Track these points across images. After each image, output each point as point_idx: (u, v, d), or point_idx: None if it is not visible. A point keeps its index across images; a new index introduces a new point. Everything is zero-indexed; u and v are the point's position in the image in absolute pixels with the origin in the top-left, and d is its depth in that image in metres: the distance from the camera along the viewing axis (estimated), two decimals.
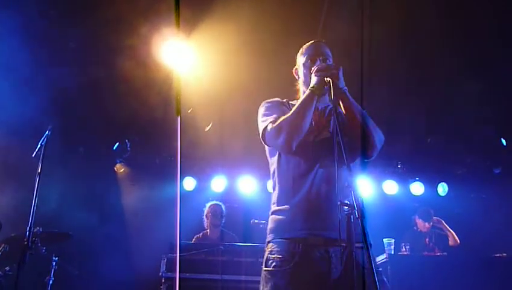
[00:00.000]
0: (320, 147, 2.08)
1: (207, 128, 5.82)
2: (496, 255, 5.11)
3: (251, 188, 6.75)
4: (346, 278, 1.75)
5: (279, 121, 2.11)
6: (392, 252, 4.88)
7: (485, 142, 6.56)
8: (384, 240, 4.94)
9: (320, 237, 1.95)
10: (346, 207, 1.75)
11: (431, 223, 5.86)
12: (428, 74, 5.15)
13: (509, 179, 6.82)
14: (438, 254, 5.59)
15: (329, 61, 2.24)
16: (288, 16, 4.21)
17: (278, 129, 2.09)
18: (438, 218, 5.94)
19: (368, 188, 6.85)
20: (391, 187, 7.15)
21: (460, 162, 7.06)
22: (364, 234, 1.63)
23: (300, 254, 1.95)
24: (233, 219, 5.92)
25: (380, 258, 4.84)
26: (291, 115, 2.08)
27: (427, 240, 5.89)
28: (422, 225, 5.92)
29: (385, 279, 2.02)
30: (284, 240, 2.02)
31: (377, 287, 1.55)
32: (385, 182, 7.15)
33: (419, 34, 4.54)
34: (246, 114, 4.85)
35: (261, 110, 2.27)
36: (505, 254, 5.04)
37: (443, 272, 4.78)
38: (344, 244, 1.76)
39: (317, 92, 2.09)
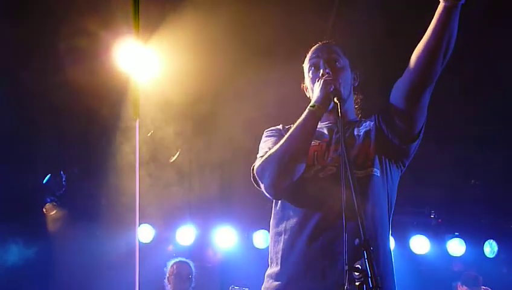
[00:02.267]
0: (321, 188, 2.06)
1: (172, 159, 5.80)
2: None
3: (230, 242, 6.68)
4: None
5: (265, 156, 2.09)
6: None
7: None
8: None
9: None
10: (357, 273, 1.72)
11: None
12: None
13: None
14: None
15: (340, 64, 2.25)
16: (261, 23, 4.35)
17: (262, 167, 2.08)
18: (488, 288, 5.94)
19: (390, 244, 6.84)
20: (421, 244, 7.20)
21: None
22: None
23: None
24: (205, 283, 5.83)
25: None
26: (280, 146, 2.05)
27: None
28: None
29: None
30: None
31: None
32: (414, 237, 7.19)
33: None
34: (225, 138, 4.88)
35: (261, 141, 2.29)
36: None
37: None
38: None
39: (319, 112, 2.07)
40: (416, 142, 2.18)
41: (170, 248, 6.76)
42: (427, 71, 2.00)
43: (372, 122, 2.23)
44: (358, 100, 2.37)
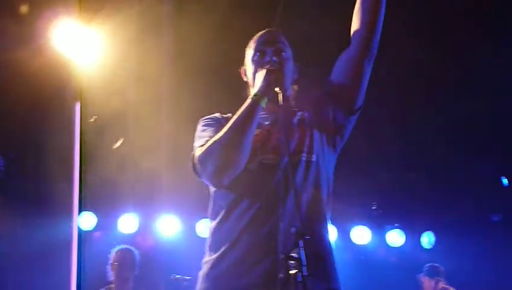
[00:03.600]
0: (263, 176, 2.06)
1: (116, 146, 5.70)
2: None
3: (173, 231, 6.67)
4: None
5: (206, 145, 2.06)
6: None
7: (483, 182, 6.90)
8: None
9: None
10: (292, 262, 1.74)
11: (442, 283, 6.03)
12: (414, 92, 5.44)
13: (510, 230, 7.18)
14: None
15: (286, 54, 2.25)
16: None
17: (206, 156, 2.04)
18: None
19: (332, 234, 6.95)
20: (362, 235, 7.33)
21: (451, 206, 7.34)
22: None
23: None
24: (148, 271, 5.78)
25: None
26: (222, 135, 2.03)
27: None
28: (430, 285, 6.09)
29: None
30: None
31: None
32: (355, 228, 7.32)
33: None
34: (169, 125, 4.84)
35: (197, 130, 2.25)
36: None
37: None
38: None
39: (261, 100, 2.06)
40: (355, 116, 2.25)
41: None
42: (366, 37, 2.13)
43: (310, 110, 2.27)
44: (296, 90, 2.37)
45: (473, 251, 7.30)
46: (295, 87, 2.36)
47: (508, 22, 5.11)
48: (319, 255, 1.96)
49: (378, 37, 2.17)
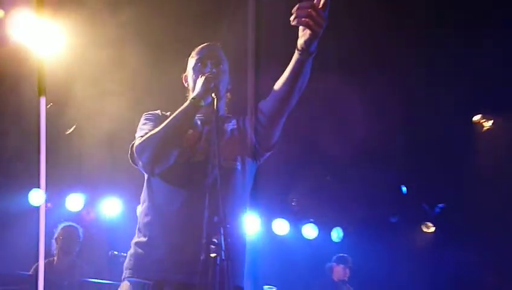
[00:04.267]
0: (191, 172, 2.04)
1: (69, 131, 5.49)
2: None
3: (115, 212, 6.50)
4: None
5: (145, 137, 2.04)
6: None
7: (386, 189, 7.12)
8: (265, 287, 5.05)
9: (175, 281, 1.90)
10: (213, 246, 1.71)
11: (348, 271, 6.12)
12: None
13: (404, 229, 7.45)
14: None
15: (223, 67, 2.25)
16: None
17: (143, 147, 2.03)
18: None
19: (256, 225, 6.98)
20: (282, 227, 7.39)
21: (358, 207, 7.52)
22: (227, 281, 1.61)
23: None
24: (89, 247, 5.59)
25: None
26: (160, 130, 2.01)
27: None
28: (341, 272, 6.17)
29: None
30: (135, 280, 1.96)
31: None
32: (276, 220, 7.36)
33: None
34: (122, 119, 4.69)
35: (139, 123, 2.22)
36: None
37: None
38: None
39: (198, 104, 2.04)
40: (270, 151, 2.24)
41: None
42: (284, 103, 2.07)
43: (240, 122, 2.26)
44: (228, 100, 2.36)
45: (374, 245, 7.45)
46: (228, 95, 2.35)
47: None
48: (234, 245, 1.89)
49: (295, 100, 2.09)
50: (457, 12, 4.61)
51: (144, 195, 2.14)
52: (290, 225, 7.45)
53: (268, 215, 7.29)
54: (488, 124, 6.14)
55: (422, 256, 7.55)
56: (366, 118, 5.60)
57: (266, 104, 2.13)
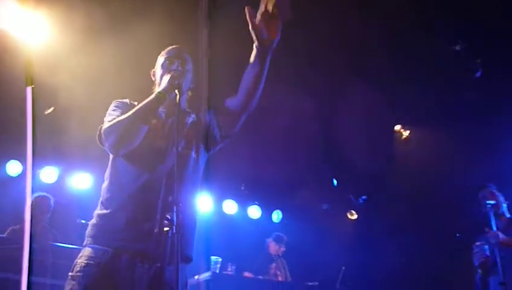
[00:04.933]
0: (152, 156, 2.04)
1: (47, 112, 5.31)
2: (309, 283, 5.63)
3: (85, 185, 6.37)
4: None
5: (113, 121, 2.03)
6: (217, 271, 5.03)
7: (320, 181, 7.30)
8: (212, 258, 5.08)
9: (132, 249, 1.89)
10: (166, 222, 1.73)
11: (282, 248, 6.20)
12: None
13: (333, 216, 7.67)
14: (279, 279, 5.92)
15: (188, 67, 2.25)
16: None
17: (110, 130, 2.02)
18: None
19: (208, 204, 7.00)
20: (231, 207, 7.44)
21: (296, 195, 7.68)
22: (177, 251, 1.64)
23: (106, 263, 1.88)
24: (60, 216, 5.46)
25: (205, 276, 4.94)
26: (127, 117, 2.01)
27: (274, 265, 6.19)
28: (274, 248, 6.24)
29: None
30: (96, 246, 1.94)
31: None
32: (225, 201, 7.40)
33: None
34: (96, 102, 4.59)
35: (109, 109, 2.19)
36: (316, 283, 5.59)
37: None
38: (156, 261, 1.73)
39: (163, 98, 2.04)
40: (227, 140, 2.26)
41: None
42: (248, 98, 2.09)
43: (201, 115, 2.26)
44: (189, 97, 2.36)
45: (308, 227, 7.62)
46: (190, 93, 2.34)
47: None
48: (184, 222, 1.88)
49: (256, 100, 2.11)
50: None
51: (108, 173, 2.12)
52: (238, 206, 7.52)
53: (220, 197, 7.33)
54: (406, 133, 6.39)
55: (346, 238, 7.78)
56: (313, 117, 5.67)
57: (234, 100, 2.15)
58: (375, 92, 5.23)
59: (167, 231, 1.73)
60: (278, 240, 6.31)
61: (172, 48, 2.31)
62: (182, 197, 1.78)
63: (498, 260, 3.42)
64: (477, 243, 3.74)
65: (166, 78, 2.09)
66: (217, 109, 2.24)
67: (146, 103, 2.04)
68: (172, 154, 1.97)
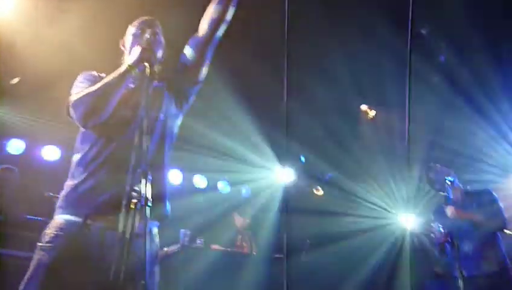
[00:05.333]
0: (120, 127, 2.02)
1: (13, 82, 5.16)
2: (276, 255, 5.80)
3: (54, 157, 6.26)
4: (118, 265, 1.75)
5: (81, 93, 2.01)
6: (186, 243, 5.11)
7: (289, 158, 7.40)
8: (181, 230, 5.15)
9: (102, 219, 1.91)
10: (135, 193, 1.74)
11: (247, 220, 6.31)
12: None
13: (300, 191, 7.83)
14: (246, 251, 6.03)
15: (159, 39, 2.22)
16: None
17: (78, 102, 2.00)
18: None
19: (179, 179, 7.02)
20: (201, 181, 7.48)
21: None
22: (146, 223, 1.65)
23: (75, 233, 1.89)
24: (28, 187, 5.38)
25: (173, 248, 5.02)
26: (96, 89, 1.99)
27: (240, 237, 6.33)
28: (240, 221, 6.37)
29: (156, 270, 2.02)
30: (65, 217, 1.95)
31: (144, 277, 1.58)
32: (196, 175, 7.43)
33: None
34: (64, 73, 4.50)
35: (76, 81, 2.16)
36: (282, 255, 5.75)
37: (230, 265, 5.23)
38: (125, 232, 1.76)
39: (133, 70, 2.02)
40: (198, 86, 2.29)
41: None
42: (212, 33, 2.15)
43: (166, 79, 2.25)
44: (159, 69, 2.31)
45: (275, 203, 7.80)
46: (160, 64, 2.29)
47: None
48: (156, 192, 1.91)
49: (222, 31, 2.19)
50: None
51: (77, 144, 2.10)
52: (208, 180, 7.56)
53: (190, 171, 7.34)
54: (372, 113, 6.53)
55: (312, 212, 7.95)
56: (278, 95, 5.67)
57: (195, 38, 2.16)
58: (342, 72, 5.31)
59: (135, 203, 1.74)
60: (243, 214, 6.41)
61: (145, 19, 2.28)
62: (153, 167, 1.75)
63: (456, 233, 3.42)
64: (432, 224, 3.76)
65: (137, 50, 2.05)
66: (180, 58, 2.24)
67: (114, 75, 2.02)
68: (140, 124, 1.96)
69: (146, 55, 2.03)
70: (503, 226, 3.58)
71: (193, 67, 2.22)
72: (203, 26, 2.19)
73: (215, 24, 2.16)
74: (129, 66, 2.03)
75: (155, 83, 2.20)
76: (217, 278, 5.08)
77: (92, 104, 1.98)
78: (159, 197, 1.99)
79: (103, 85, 1.99)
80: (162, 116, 2.13)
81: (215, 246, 5.82)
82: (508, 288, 3.33)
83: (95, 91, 1.99)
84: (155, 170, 1.95)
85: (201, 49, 2.20)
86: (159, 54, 2.22)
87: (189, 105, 2.32)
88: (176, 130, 2.25)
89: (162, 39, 2.26)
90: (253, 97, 5.72)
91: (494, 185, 5.77)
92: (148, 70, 1.98)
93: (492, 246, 3.51)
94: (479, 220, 3.53)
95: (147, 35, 2.14)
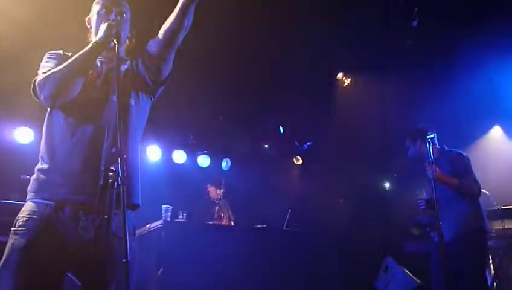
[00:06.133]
0: (89, 107, 1.94)
1: None
2: (258, 226, 5.82)
3: (28, 140, 6.06)
4: (97, 244, 1.70)
5: (48, 73, 1.92)
6: (169, 219, 5.06)
7: (267, 128, 7.40)
8: (163, 206, 5.08)
9: (75, 201, 1.84)
10: (110, 173, 1.69)
11: (222, 190, 6.28)
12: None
13: (279, 161, 7.87)
14: (224, 222, 6.04)
15: (126, 16, 2.13)
16: None
17: (44, 81, 1.91)
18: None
19: (157, 155, 6.93)
20: (180, 157, 7.41)
21: (245, 142, 7.75)
22: (123, 202, 1.60)
23: (49, 216, 1.83)
24: (2, 172, 5.22)
25: (156, 224, 4.96)
26: (62, 68, 1.90)
27: (216, 208, 6.30)
28: (214, 192, 6.31)
29: (134, 246, 1.96)
30: (38, 200, 1.88)
31: (126, 254, 1.55)
32: (175, 151, 7.35)
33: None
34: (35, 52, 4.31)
35: (42, 61, 2.06)
36: (264, 225, 5.79)
37: (213, 238, 5.22)
38: (101, 212, 1.70)
39: (100, 48, 1.95)
40: (163, 87, 2.20)
41: None
42: (171, 41, 2.06)
43: (134, 63, 2.16)
44: (127, 46, 2.25)
45: (256, 173, 7.79)
46: (127, 42, 2.23)
47: None
48: (129, 172, 1.87)
49: (181, 38, 2.08)
50: None
51: (45, 127, 2.01)
52: (187, 155, 7.50)
53: (169, 147, 7.26)
54: (347, 80, 6.51)
55: (293, 181, 8.03)
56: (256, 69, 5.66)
57: (155, 43, 2.09)
58: (319, 41, 5.25)
59: (112, 182, 1.69)
60: (216, 184, 6.37)
61: None
62: (125, 148, 1.71)
63: (435, 195, 3.36)
64: (418, 199, 3.72)
65: (104, 27, 1.98)
66: (143, 54, 2.15)
67: (82, 54, 1.94)
68: (111, 105, 1.91)
69: (113, 30, 1.95)
70: (476, 192, 3.55)
71: (156, 68, 2.11)
72: (164, 33, 2.05)
73: (174, 33, 2.03)
74: (95, 43, 1.95)
75: (123, 65, 2.12)
76: (199, 250, 5.07)
77: (58, 84, 1.89)
78: (131, 176, 1.93)
79: (70, 63, 1.90)
80: (132, 100, 2.05)
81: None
82: (474, 251, 3.30)
83: (61, 70, 1.90)
84: (128, 150, 1.90)
85: (161, 53, 2.09)
86: (127, 30, 2.14)
87: (157, 97, 2.24)
88: (146, 115, 2.17)
89: (129, 15, 2.17)
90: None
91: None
92: (116, 47, 1.90)
93: (463, 211, 3.49)
94: (456, 185, 3.52)
95: (114, 13, 2.07)
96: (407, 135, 3.91)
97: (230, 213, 6.38)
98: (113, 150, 1.68)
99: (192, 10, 1.98)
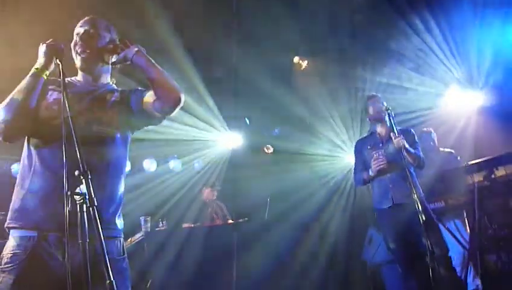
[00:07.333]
0: (50, 134, 1.83)
1: None
2: (240, 220, 5.77)
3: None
4: (80, 271, 1.60)
5: None
6: (149, 230, 4.95)
7: (234, 120, 7.34)
8: (141, 218, 4.97)
9: (55, 228, 1.75)
10: (77, 197, 1.59)
11: (215, 192, 6.27)
12: None
13: (251, 154, 7.84)
14: (218, 222, 5.98)
15: (100, 32, 2.00)
16: None
17: None
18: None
19: (127, 166, 6.73)
20: (150, 165, 7.28)
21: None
22: (96, 224, 1.52)
23: (32, 248, 1.76)
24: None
25: (137, 237, 4.84)
26: (8, 101, 1.80)
27: (209, 209, 6.27)
28: (209, 194, 6.38)
29: (124, 264, 1.91)
30: (20, 233, 1.80)
31: (109, 277, 1.47)
32: (145, 160, 7.20)
33: None
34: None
35: None
36: (246, 219, 5.74)
37: (195, 242, 5.15)
38: (78, 237, 1.60)
39: (42, 72, 1.84)
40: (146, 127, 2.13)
41: None
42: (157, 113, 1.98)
43: (124, 97, 2.05)
44: (115, 70, 2.13)
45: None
46: (118, 66, 2.09)
47: None
48: (97, 191, 1.72)
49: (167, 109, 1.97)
50: None
51: (22, 155, 1.93)
52: (157, 163, 7.35)
53: (139, 156, 7.09)
54: (304, 63, 6.50)
55: (265, 170, 7.97)
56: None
57: (150, 98, 1.96)
58: (273, 26, 5.22)
59: (80, 205, 1.59)
60: (212, 187, 6.52)
61: (86, 18, 2.04)
62: (90, 168, 1.61)
63: (404, 161, 3.47)
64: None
65: (41, 48, 1.87)
66: (137, 95, 2.03)
67: (24, 83, 1.83)
68: (67, 128, 1.79)
69: (52, 51, 1.84)
70: (422, 166, 3.73)
71: (145, 117, 2.01)
72: (155, 105, 1.94)
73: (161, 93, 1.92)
74: (36, 68, 1.84)
75: (114, 94, 2.02)
76: (187, 253, 5.00)
77: (5, 118, 1.77)
78: (99, 196, 1.79)
79: (13, 96, 1.80)
80: (116, 132, 1.95)
81: (187, 225, 5.70)
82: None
83: (6, 105, 1.79)
84: (92, 170, 1.73)
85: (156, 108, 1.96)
86: (104, 42, 2.00)
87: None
88: (127, 146, 2.05)
89: (104, 33, 2.02)
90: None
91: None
92: (61, 67, 1.79)
93: (411, 180, 3.52)
94: (412, 157, 3.63)
95: (76, 33, 1.98)
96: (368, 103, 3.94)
97: (225, 213, 6.38)
98: (76, 171, 1.58)
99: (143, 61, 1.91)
